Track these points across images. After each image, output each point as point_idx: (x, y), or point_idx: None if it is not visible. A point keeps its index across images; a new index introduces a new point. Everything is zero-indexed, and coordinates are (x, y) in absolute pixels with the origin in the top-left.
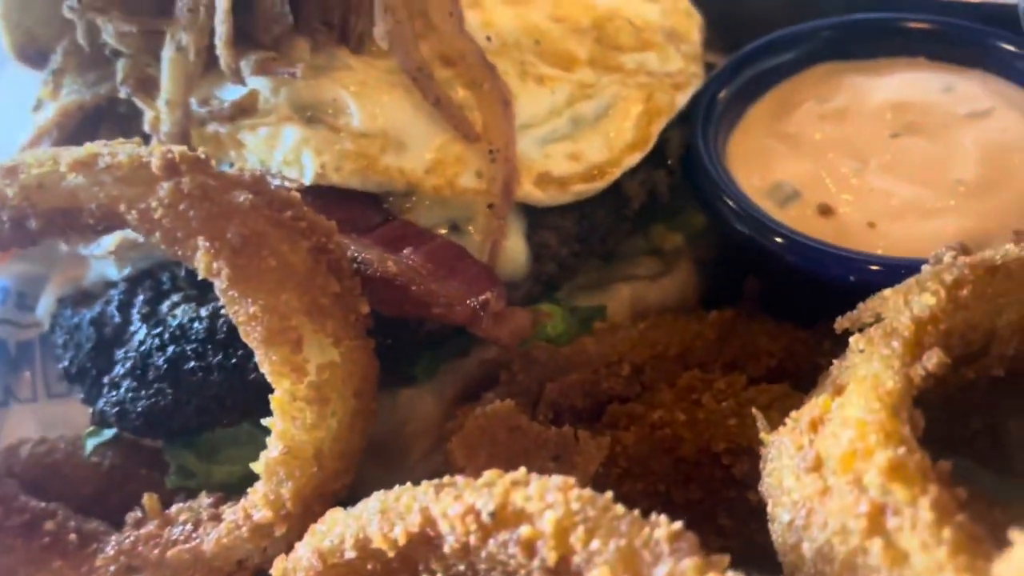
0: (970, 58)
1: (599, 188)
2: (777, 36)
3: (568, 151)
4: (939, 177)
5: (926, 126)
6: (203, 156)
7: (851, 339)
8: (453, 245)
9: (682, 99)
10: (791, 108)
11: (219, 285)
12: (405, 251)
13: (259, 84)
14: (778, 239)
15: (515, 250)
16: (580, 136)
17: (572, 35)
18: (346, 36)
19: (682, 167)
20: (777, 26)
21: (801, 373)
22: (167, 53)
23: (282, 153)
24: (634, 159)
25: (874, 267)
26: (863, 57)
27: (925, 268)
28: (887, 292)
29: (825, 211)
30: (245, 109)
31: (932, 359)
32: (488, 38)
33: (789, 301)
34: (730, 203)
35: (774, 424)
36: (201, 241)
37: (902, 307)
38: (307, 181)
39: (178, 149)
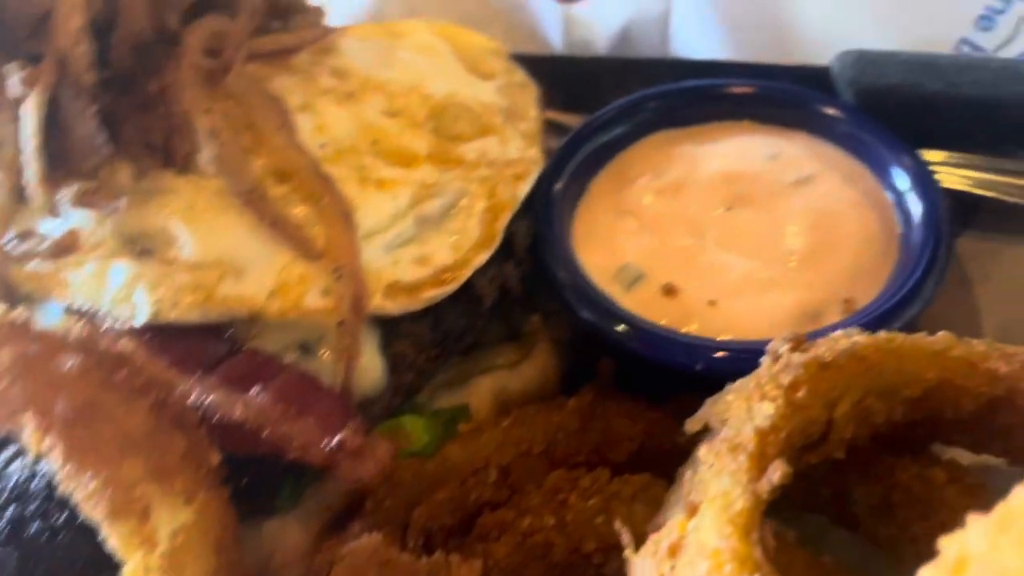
0: (793, 120)
1: (450, 291)
2: (609, 109)
3: (415, 255)
4: (771, 249)
5: (756, 196)
6: (21, 320)
7: (700, 451)
8: (303, 377)
9: (524, 189)
10: (629, 182)
11: (53, 462)
12: (253, 390)
13: (81, 217)
14: (621, 327)
15: (370, 366)
16: (426, 238)
17: (410, 130)
18: (171, 158)
19: (531, 256)
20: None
21: (662, 454)
22: None
23: (112, 291)
24: (482, 258)
25: (718, 354)
26: (692, 123)
27: (764, 362)
28: (730, 396)
29: (669, 291)
30: (66, 248)
31: (776, 472)
32: (322, 145)
33: (642, 380)
34: (575, 291)
35: (639, 518)
36: (28, 417)
37: (744, 416)
38: (141, 321)
39: None
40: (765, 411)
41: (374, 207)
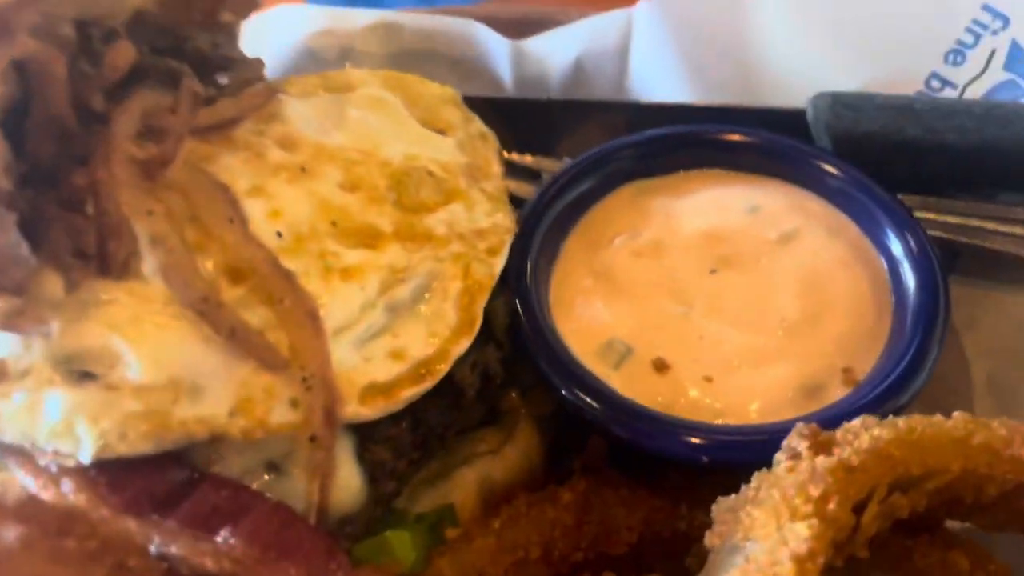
0: (769, 168)
1: (429, 387)
2: (577, 163)
3: (389, 348)
4: (763, 317)
5: (741, 258)
6: None
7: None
8: (277, 510)
9: (499, 264)
10: (604, 242)
11: None
12: (222, 533)
13: (4, 340)
14: (618, 418)
15: (348, 481)
16: (399, 327)
17: (371, 205)
18: (106, 265)
19: (509, 337)
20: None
21: (663, 541)
22: None
23: (49, 424)
24: (463, 346)
25: (724, 443)
26: (663, 172)
27: (780, 461)
28: (756, 512)
29: (660, 367)
30: None
31: None
32: (279, 233)
33: (634, 457)
34: (561, 375)
35: None
36: None
37: (776, 537)
38: (86, 459)
39: None
40: (800, 533)
41: (341, 301)
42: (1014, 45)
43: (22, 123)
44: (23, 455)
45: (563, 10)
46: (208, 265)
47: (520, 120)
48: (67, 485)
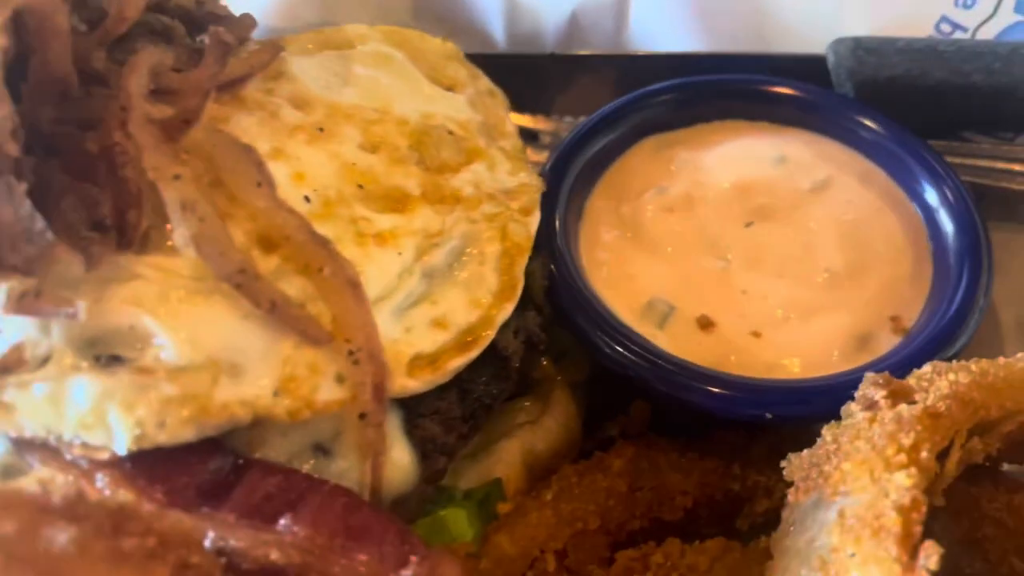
0: (790, 117)
1: (475, 356)
2: (594, 118)
3: (430, 317)
4: (806, 269)
5: (775, 209)
6: None
7: (832, 539)
8: (338, 495)
9: (534, 225)
10: (631, 198)
11: None
12: (282, 522)
13: (16, 325)
14: (673, 379)
15: (400, 460)
16: (437, 294)
17: (396, 167)
18: (126, 237)
19: (548, 301)
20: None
21: (714, 504)
22: None
23: (77, 415)
24: (506, 312)
25: (788, 396)
26: (684, 125)
27: (856, 411)
28: (846, 465)
29: (705, 324)
30: (8, 368)
31: (931, 558)
32: (307, 198)
33: (675, 419)
34: (606, 339)
35: None
36: None
37: (874, 489)
38: (122, 451)
39: None
40: (902, 484)
41: (379, 268)
42: None
43: (17, 85)
44: (47, 450)
45: None
46: (238, 234)
47: (515, 77)
48: (102, 480)
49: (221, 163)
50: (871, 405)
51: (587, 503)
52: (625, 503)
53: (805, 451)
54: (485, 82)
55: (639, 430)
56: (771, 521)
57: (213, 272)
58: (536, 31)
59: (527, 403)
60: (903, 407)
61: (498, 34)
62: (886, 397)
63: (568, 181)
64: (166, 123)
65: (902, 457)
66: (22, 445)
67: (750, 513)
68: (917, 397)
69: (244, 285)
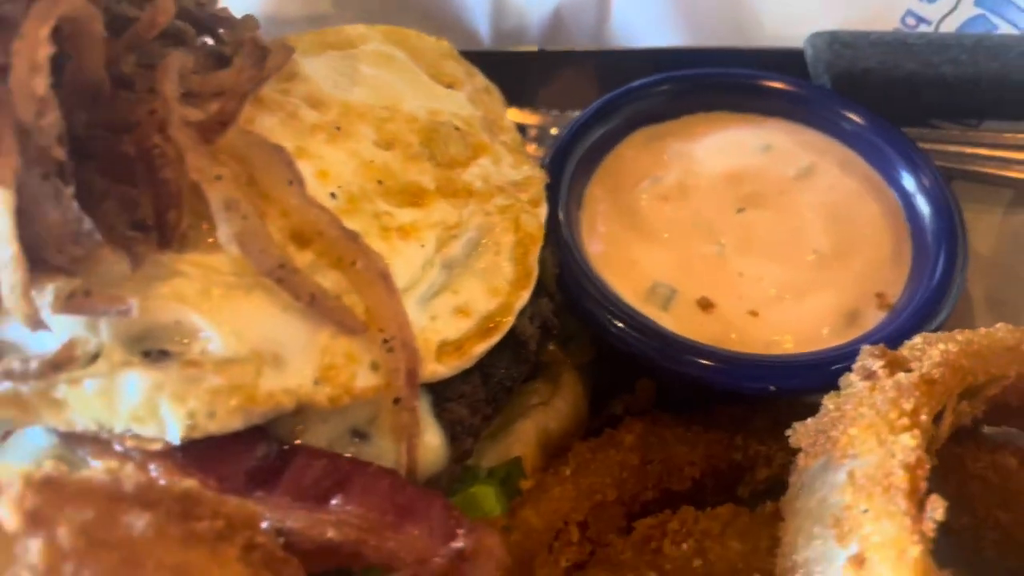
0: (770, 108)
1: (496, 341)
2: (588, 111)
3: (452, 305)
4: (796, 251)
5: (764, 195)
6: (55, 477)
7: (845, 498)
8: (382, 475)
9: (543, 215)
10: (627, 187)
11: None
12: (333, 503)
13: (65, 324)
14: (688, 358)
15: (431, 442)
16: (457, 283)
17: (410, 163)
18: (166, 237)
19: (559, 287)
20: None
21: (718, 474)
22: None
23: (128, 408)
24: (523, 299)
25: (788, 370)
26: (672, 116)
27: (855, 381)
28: (853, 430)
29: (705, 305)
30: (60, 365)
31: (937, 510)
32: (333, 195)
33: (677, 395)
34: (616, 321)
35: (734, 554)
36: None
37: (881, 451)
38: (175, 440)
39: (23, 481)
40: (907, 444)
41: (404, 260)
42: None
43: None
44: (97, 444)
45: None
46: (273, 231)
47: (500, 73)
48: (156, 470)
49: (254, 163)
50: (870, 375)
51: (604, 476)
52: (638, 475)
53: (810, 419)
54: (481, 79)
55: (644, 407)
56: (771, 488)
57: (255, 267)
58: (521, 27)
59: (538, 385)
60: (901, 375)
61: (483, 30)
62: (884, 367)
63: (568, 173)
64: (202, 125)
65: (905, 420)
66: (72, 439)
67: (751, 481)
68: (912, 366)
69: (284, 279)
